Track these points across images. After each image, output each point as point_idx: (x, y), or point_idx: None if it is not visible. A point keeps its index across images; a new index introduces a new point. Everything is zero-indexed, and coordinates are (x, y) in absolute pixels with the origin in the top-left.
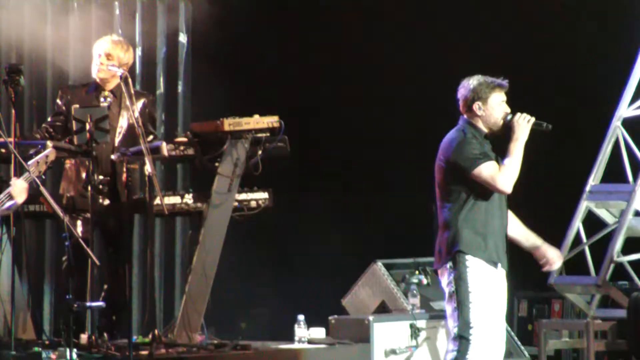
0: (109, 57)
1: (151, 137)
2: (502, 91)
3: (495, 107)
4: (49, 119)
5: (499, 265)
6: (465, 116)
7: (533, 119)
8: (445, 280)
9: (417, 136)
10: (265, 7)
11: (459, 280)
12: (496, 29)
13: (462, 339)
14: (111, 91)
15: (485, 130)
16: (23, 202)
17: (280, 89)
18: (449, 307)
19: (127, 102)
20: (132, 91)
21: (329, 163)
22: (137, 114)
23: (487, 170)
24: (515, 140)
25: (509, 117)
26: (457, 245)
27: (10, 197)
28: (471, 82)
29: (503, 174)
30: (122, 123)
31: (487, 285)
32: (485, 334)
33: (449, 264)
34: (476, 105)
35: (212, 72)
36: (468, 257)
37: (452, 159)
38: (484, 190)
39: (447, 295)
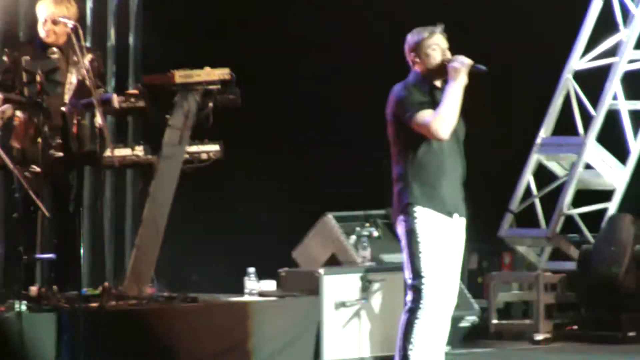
0: (55, 23)
1: (101, 91)
2: (432, 36)
3: (429, 53)
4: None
5: (455, 215)
6: (412, 69)
7: (469, 61)
8: (400, 232)
9: (371, 91)
10: None
11: (410, 231)
12: None
13: (415, 289)
14: (59, 47)
15: (431, 79)
16: None
17: (232, 41)
18: (404, 258)
19: (75, 58)
20: (83, 44)
21: (280, 117)
22: (86, 66)
23: (421, 118)
24: (451, 83)
25: (446, 60)
26: (406, 198)
27: None
28: (409, 36)
29: (437, 120)
30: (71, 78)
31: (438, 235)
32: (436, 283)
33: (401, 217)
34: (413, 55)
35: (163, 23)
36: (417, 208)
37: (394, 112)
38: (430, 141)
39: (402, 247)
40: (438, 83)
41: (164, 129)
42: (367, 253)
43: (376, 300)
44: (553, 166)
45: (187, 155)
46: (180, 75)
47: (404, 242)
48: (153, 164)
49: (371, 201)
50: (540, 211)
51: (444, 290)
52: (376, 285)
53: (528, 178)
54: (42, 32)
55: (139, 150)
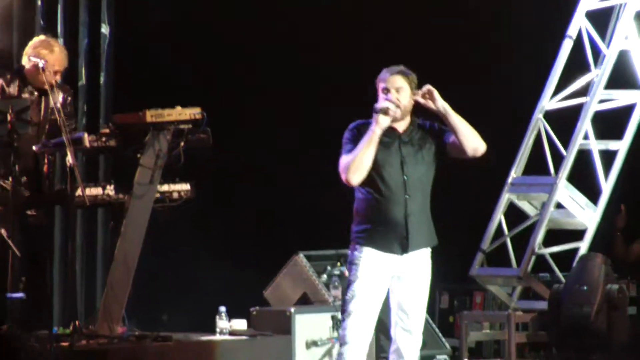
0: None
1: (73, 126)
2: (386, 79)
3: (380, 95)
4: None
5: (394, 253)
6: None
7: (384, 106)
8: None
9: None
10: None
11: (349, 265)
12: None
13: (343, 325)
14: (37, 87)
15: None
16: None
17: (202, 80)
18: None
19: (49, 94)
20: (54, 83)
21: (249, 155)
22: (58, 105)
23: (341, 162)
24: (369, 130)
25: (376, 107)
26: (352, 235)
27: None
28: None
29: (344, 165)
30: (44, 115)
31: (374, 274)
32: (362, 322)
33: (350, 251)
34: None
35: (134, 63)
36: (357, 246)
37: None
38: (374, 179)
39: None
40: (401, 126)
41: (135, 168)
42: (338, 292)
43: None
44: (524, 206)
45: (158, 195)
46: (151, 115)
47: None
48: (124, 203)
49: (342, 240)
50: (511, 250)
51: (369, 330)
52: None
53: (499, 217)
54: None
55: (110, 190)
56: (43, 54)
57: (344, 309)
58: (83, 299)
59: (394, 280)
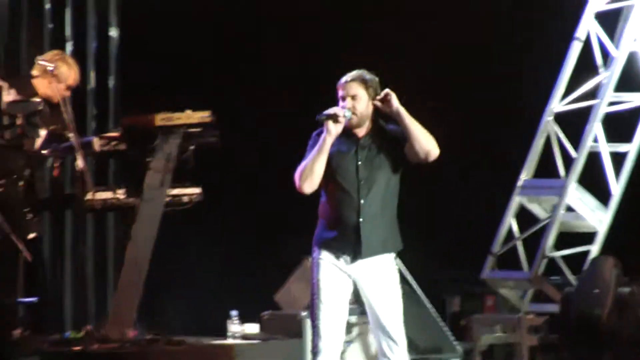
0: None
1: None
2: (341, 88)
3: (339, 103)
4: None
5: (346, 257)
6: None
7: (328, 112)
8: None
9: None
10: (197, 4)
11: (312, 269)
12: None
13: (312, 331)
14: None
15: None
16: None
17: (213, 83)
18: None
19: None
20: (64, 93)
21: (261, 158)
22: (69, 111)
23: (297, 169)
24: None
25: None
26: (313, 239)
27: None
28: None
29: (297, 173)
30: (49, 125)
31: (330, 278)
32: (327, 327)
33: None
34: None
35: (143, 66)
36: (315, 249)
37: None
38: (327, 184)
39: None
40: (361, 131)
41: (145, 171)
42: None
43: (357, 344)
44: (535, 208)
45: (168, 198)
46: (161, 118)
47: None
48: (134, 206)
49: None
50: (522, 253)
51: (333, 331)
52: (357, 329)
53: (510, 220)
54: (54, 93)
55: (120, 193)
56: (59, 66)
57: (310, 313)
58: (94, 303)
59: (360, 288)
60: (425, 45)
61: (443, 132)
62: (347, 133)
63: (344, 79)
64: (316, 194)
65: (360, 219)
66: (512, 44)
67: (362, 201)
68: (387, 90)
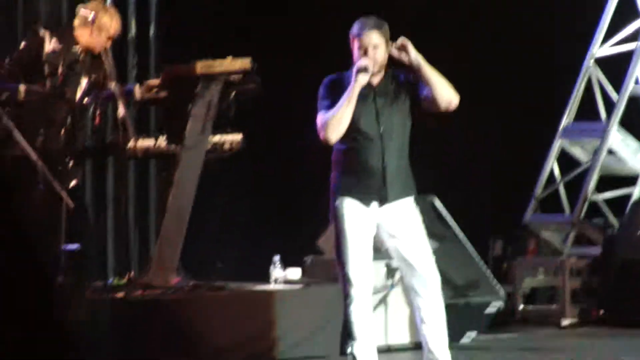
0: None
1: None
2: (361, 36)
3: (355, 52)
4: (15, 55)
5: (376, 203)
6: None
7: (362, 64)
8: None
9: None
10: None
11: (334, 220)
12: None
13: (341, 279)
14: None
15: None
16: None
17: (253, 31)
18: None
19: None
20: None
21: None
22: (110, 60)
23: (319, 119)
24: (347, 90)
25: (357, 66)
26: (332, 186)
27: None
28: (354, 24)
29: (322, 123)
30: (91, 74)
31: (356, 223)
32: (358, 273)
33: (330, 204)
34: (351, 47)
35: (184, 14)
36: (338, 197)
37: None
38: (348, 132)
39: None
40: (375, 79)
41: (186, 119)
42: None
43: (399, 287)
44: (576, 152)
45: (210, 145)
46: (202, 66)
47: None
48: (176, 154)
49: None
50: (564, 197)
51: (363, 273)
52: (399, 273)
53: (552, 164)
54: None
55: (162, 141)
56: (100, 16)
57: (338, 262)
58: (137, 250)
59: (384, 232)
60: None
61: (483, 76)
62: (381, 79)
63: (362, 29)
64: None
65: (385, 164)
66: None
67: (384, 146)
68: (403, 38)
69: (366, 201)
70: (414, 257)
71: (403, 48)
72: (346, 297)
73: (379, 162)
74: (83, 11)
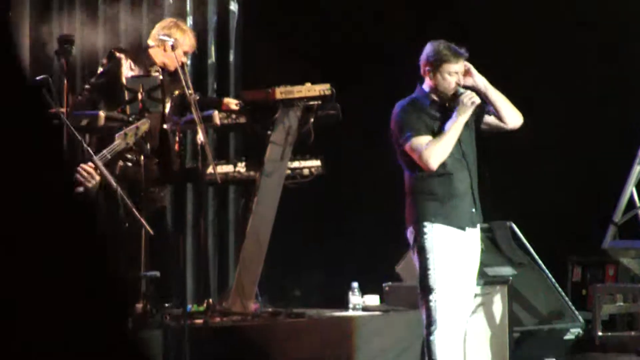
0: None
1: (197, 97)
2: (457, 62)
3: (445, 77)
4: (93, 80)
5: (466, 228)
6: (421, 83)
7: (477, 100)
8: (411, 246)
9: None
10: None
11: (420, 247)
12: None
13: (427, 306)
14: (161, 67)
15: (435, 97)
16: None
17: (331, 57)
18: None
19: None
20: (184, 61)
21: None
22: (189, 83)
23: (416, 144)
24: (454, 118)
25: (459, 92)
26: (416, 214)
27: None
28: (430, 47)
29: (428, 150)
30: (172, 92)
31: (449, 249)
32: (448, 298)
33: (411, 231)
34: (427, 70)
35: (263, 40)
36: (427, 224)
37: (393, 128)
38: None
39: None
40: (438, 100)
41: (265, 145)
42: None
43: (479, 314)
44: None
45: (289, 171)
46: (281, 92)
47: (414, 257)
48: (255, 180)
49: None
50: None
51: (456, 302)
52: (479, 299)
53: (631, 189)
54: (172, 61)
55: (241, 167)
56: (174, 34)
57: (426, 289)
58: (216, 277)
59: (451, 258)
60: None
61: (563, 101)
62: (440, 105)
63: (454, 56)
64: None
65: (473, 188)
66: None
67: (470, 169)
68: (468, 64)
69: (461, 226)
70: (464, 293)
71: (467, 73)
72: (431, 324)
73: (468, 186)
74: (163, 37)
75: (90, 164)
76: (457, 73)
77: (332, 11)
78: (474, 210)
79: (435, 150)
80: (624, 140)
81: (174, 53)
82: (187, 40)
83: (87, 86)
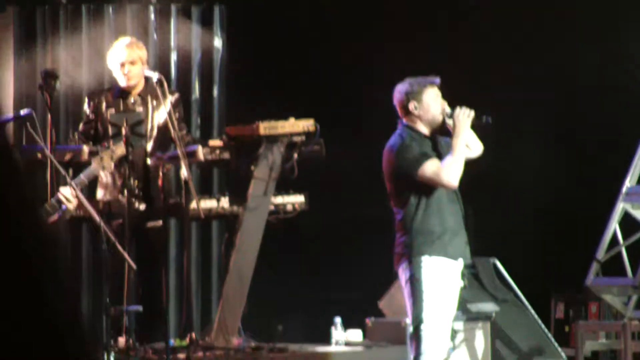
0: (133, 63)
1: (184, 131)
2: (434, 87)
3: (430, 103)
4: (80, 128)
5: (460, 259)
6: (404, 120)
7: (472, 113)
8: (403, 280)
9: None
10: (301, 12)
11: (413, 280)
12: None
13: (416, 337)
14: (139, 95)
15: (425, 129)
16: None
17: (316, 92)
18: (407, 305)
19: (156, 104)
20: (167, 93)
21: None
22: (169, 114)
23: (429, 168)
24: (456, 136)
25: (449, 112)
26: (412, 248)
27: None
28: (403, 84)
29: (446, 169)
30: (154, 126)
31: (442, 282)
32: (439, 330)
33: (404, 265)
34: (412, 105)
35: (247, 75)
36: (424, 257)
37: (396, 165)
38: (432, 191)
39: (405, 293)
40: (427, 131)
41: (249, 180)
42: None
43: (462, 350)
44: (639, 215)
45: (272, 207)
46: (265, 127)
47: (406, 290)
48: (238, 215)
49: None
50: (626, 260)
51: (445, 336)
52: (462, 335)
53: (614, 227)
54: (121, 78)
55: (224, 202)
56: (143, 57)
57: (417, 322)
58: (199, 311)
59: (443, 289)
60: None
61: (545, 136)
62: (429, 137)
63: (433, 78)
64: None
65: (463, 220)
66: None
67: (460, 204)
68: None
69: (453, 259)
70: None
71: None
72: (419, 355)
73: (460, 218)
74: (149, 72)
75: (68, 188)
76: (438, 97)
77: (316, 43)
78: (466, 243)
79: (453, 169)
80: (608, 177)
81: (158, 88)
82: (116, 52)
83: (76, 134)
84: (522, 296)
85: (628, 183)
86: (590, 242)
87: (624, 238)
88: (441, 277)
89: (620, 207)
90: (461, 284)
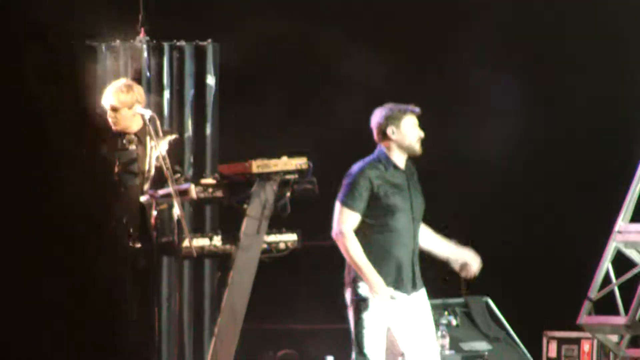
0: (115, 109)
1: (178, 175)
2: (413, 116)
3: (408, 130)
4: None
5: (400, 291)
6: (381, 145)
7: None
8: (347, 305)
9: None
10: (291, 49)
11: (354, 307)
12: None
13: None
14: (135, 134)
15: (400, 155)
16: None
17: (309, 129)
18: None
19: (152, 144)
20: (160, 132)
21: None
22: (164, 153)
23: (344, 217)
24: (369, 280)
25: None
26: (354, 274)
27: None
28: (383, 109)
29: (345, 240)
30: (151, 166)
31: (382, 311)
32: (378, 358)
33: (349, 291)
34: (390, 130)
35: (240, 112)
36: (361, 284)
37: (343, 184)
38: (386, 220)
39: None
40: (402, 157)
41: (241, 218)
42: (445, 342)
43: None
44: (632, 254)
45: (265, 245)
46: (257, 165)
47: (350, 316)
48: (231, 253)
49: (450, 290)
50: (619, 299)
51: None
52: None
53: (607, 265)
54: (111, 122)
55: (217, 240)
56: (130, 101)
57: (360, 351)
58: (191, 350)
59: (401, 324)
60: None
61: (537, 173)
62: (396, 165)
63: (413, 107)
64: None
65: (414, 252)
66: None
67: (415, 233)
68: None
69: (402, 289)
70: (431, 352)
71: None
72: None
73: (411, 249)
74: (141, 110)
75: None
76: (416, 125)
77: (311, 80)
78: (412, 275)
79: (351, 247)
80: (600, 217)
81: (149, 126)
82: (107, 98)
83: None
84: (514, 335)
85: (621, 222)
86: (584, 281)
87: (617, 277)
88: (380, 306)
89: (613, 245)
90: (418, 311)
